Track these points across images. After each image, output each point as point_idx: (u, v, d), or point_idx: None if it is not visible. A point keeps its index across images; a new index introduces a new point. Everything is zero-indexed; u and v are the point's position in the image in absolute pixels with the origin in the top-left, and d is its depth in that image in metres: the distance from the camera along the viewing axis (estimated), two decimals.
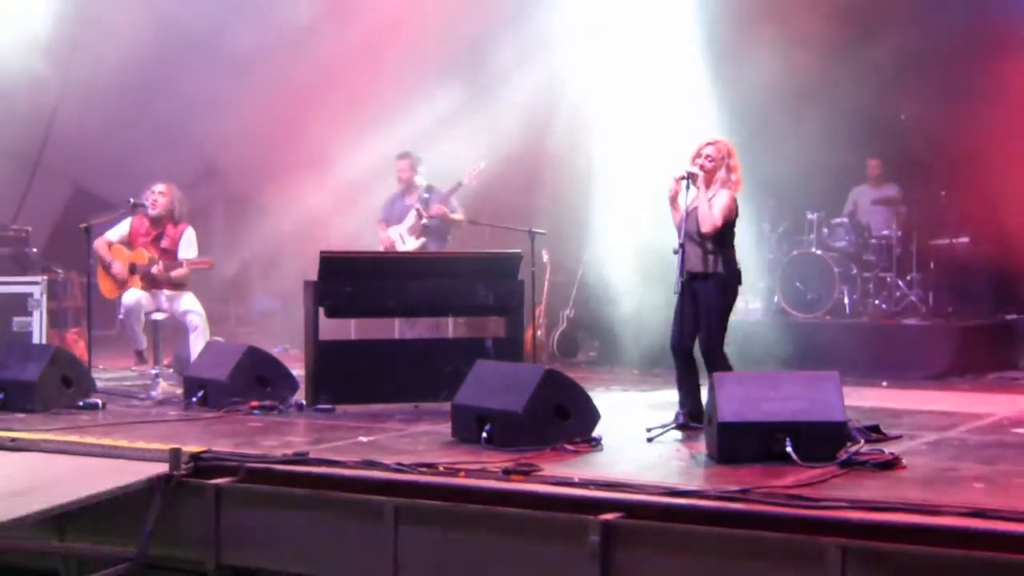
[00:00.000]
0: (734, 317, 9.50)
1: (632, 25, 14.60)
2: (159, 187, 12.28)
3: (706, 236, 9.17)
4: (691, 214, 9.22)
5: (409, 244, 13.48)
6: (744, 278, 9.53)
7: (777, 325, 14.32)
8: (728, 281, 9.28)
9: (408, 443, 8.73)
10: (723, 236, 9.24)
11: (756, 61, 14.19)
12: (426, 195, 13.51)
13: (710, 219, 9.14)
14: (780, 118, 14.27)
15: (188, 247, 12.21)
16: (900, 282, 14.62)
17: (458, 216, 13.53)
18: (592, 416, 8.65)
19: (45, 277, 13.74)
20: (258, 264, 18.40)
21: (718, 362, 9.10)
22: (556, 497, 6.90)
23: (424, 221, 13.39)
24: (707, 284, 9.21)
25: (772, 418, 7.73)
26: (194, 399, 10.54)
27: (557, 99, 15.05)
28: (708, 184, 9.26)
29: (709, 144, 9.43)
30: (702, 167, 9.28)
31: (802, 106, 14.16)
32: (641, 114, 14.10)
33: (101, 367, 12.71)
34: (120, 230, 12.26)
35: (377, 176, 14.85)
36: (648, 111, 14.04)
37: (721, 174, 9.30)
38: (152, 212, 12.19)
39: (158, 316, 12.10)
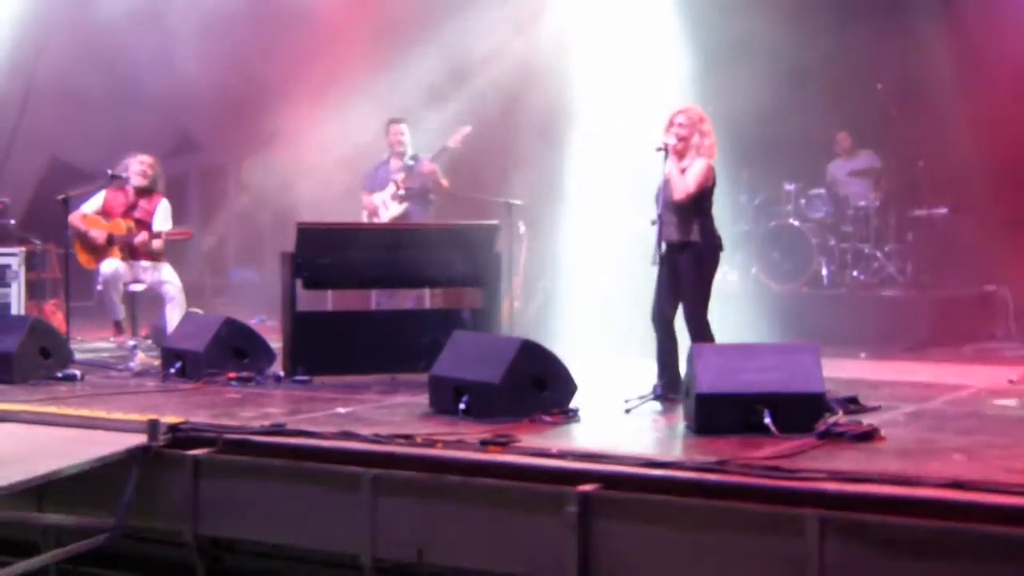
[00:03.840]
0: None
1: None
2: (147, 159, 12.28)
3: (679, 204, 9.16)
4: (667, 184, 9.22)
5: (392, 210, 13.43)
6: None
7: (754, 296, 14.32)
8: (706, 249, 9.25)
9: (385, 414, 8.73)
10: (699, 204, 9.23)
11: (734, 30, 14.15)
12: (411, 163, 13.47)
13: (682, 186, 9.13)
14: (756, 88, 14.23)
15: (163, 219, 12.21)
16: (878, 253, 14.63)
17: (444, 181, 13.49)
18: (569, 387, 8.64)
19: (23, 248, 13.71)
20: (235, 235, 18.36)
21: (701, 331, 9.11)
22: (533, 468, 6.90)
23: (401, 192, 13.34)
24: (685, 254, 9.20)
25: (750, 389, 7.74)
26: (172, 370, 10.53)
27: (535, 69, 15.00)
28: (684, 152, 9.26)
29: (680, 112, 9.43)
30: (676, 135, 9.28)
31: (779, 75, 14.13)
32: (618, 83, 14.08)
33: (79, 338, 12.67)
34: (95, 203, 12.23)
35: (357, 146, 14.79)
36: (625, 80, 14.01)
37: (695, 140, 9.30)
38: (137, 183, 12.16)
39: (136, 287, 12.10)
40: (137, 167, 12.18)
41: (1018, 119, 13.47)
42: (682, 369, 8.63)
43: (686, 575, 6.37)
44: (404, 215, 13.38)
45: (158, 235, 12.00)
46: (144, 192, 12.23)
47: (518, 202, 12.41)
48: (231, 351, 10.53)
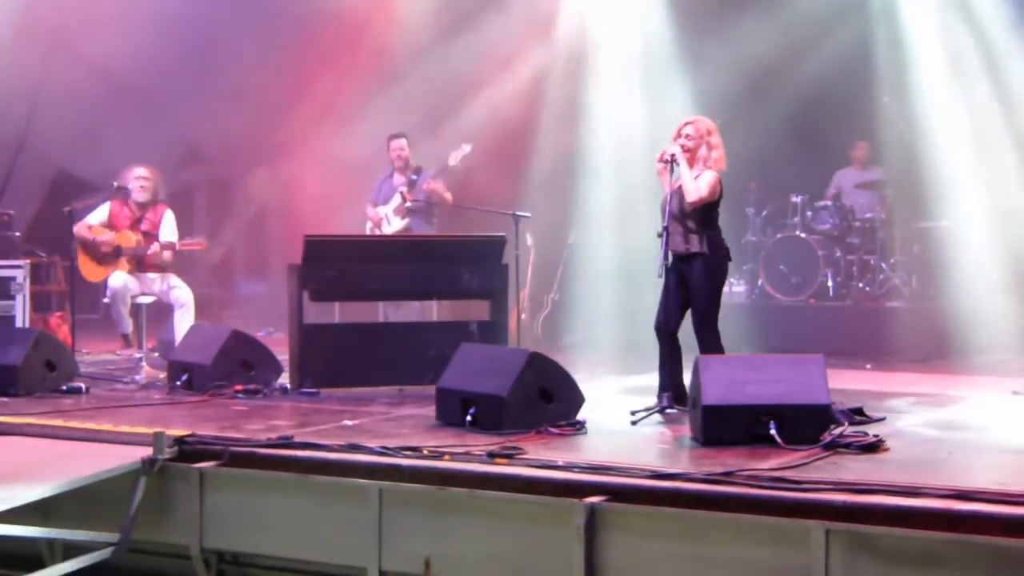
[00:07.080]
0: None
1: (616, 7, 14.63)
2: (142, 172, 12.23)
3: (690, 213, 9.12)
4: (674, 194, 9.21)
5: (395, 224, 13.44)
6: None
7: (761, 308, 14.33)
8: (714, 260, 9.21)
9: (393, 426, 8.73)
10: (707, 216, 9.20)
11: (739, 42, 14.20)
12: (414, 176, 13.48)
13: (695, 190, 9.07)
14: (763, 100, 14.27)
15: (169, 230, 12.18)
16: (884, 265, 14.64)
17: (448, 195, 13.50)
18: (576, 399, 8.65)
19: (28, 261, 13.68)
20: (242, 247, 18.38)
21: (712, 342, 9.10)
22: (541, 480, 6.91)
23: (408, 204, 13.36)
24: (693, 265, 9.16)
25: (756, 401, 7.75)
26: (178, 383, 10.51)
27: (542, 80, 15.04)
28: (692, 163, 9.23)
29: (688, 123, 9.41)
30: (683, 146, 9.26)
31: (785, 88, 14.16)
32: (625, 96, 14.11)
33: (84, 351, 12.69)
34: (100, 214, 12.19)
35: (362, 159, 14.83)
36: (632, 93, 14.05)
37: (702, 152, 9.28)
38: (138, 198, 12.16)
39: (144, 299, 12.07)
40: (135, 182, 12.16)
41: None
42: (686, 380, 8.64)
43: None
44: (406, 230, 13.39)
45: (172, 246, 12.00)
46: (147, 203, 12.22)
47: (525, 214, 12.41)
48: (238, 363, 10.52)
